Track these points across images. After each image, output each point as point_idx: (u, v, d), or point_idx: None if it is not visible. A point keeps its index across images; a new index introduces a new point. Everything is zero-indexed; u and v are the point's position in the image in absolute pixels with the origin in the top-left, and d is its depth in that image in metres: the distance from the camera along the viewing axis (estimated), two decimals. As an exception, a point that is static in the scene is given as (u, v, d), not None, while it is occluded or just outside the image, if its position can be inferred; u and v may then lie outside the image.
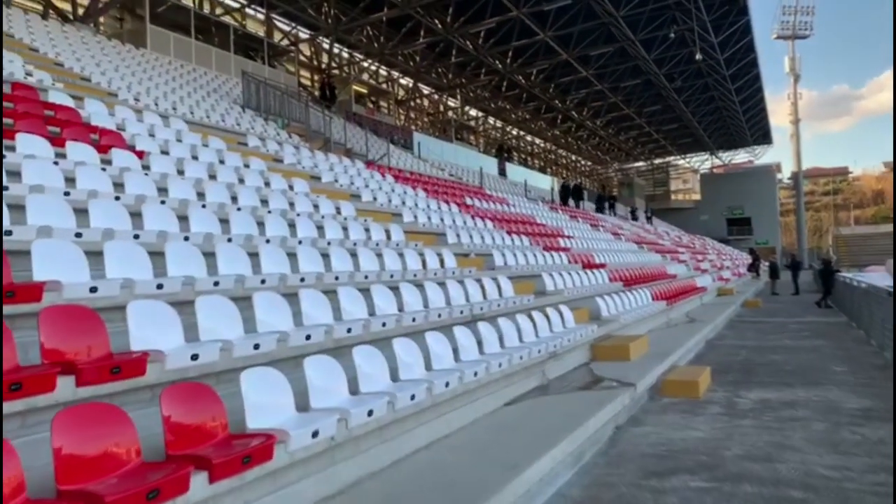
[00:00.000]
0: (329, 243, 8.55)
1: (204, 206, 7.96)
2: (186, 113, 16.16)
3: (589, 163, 77.93)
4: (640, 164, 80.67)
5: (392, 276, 8.20)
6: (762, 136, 70.96)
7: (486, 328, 7.34)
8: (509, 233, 16.24)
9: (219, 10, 33.06)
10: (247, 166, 11.53)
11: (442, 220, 14.28)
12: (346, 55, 41.22)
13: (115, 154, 8.68)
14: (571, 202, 36.16)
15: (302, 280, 6.69)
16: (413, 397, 4.95)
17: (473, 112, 54.92)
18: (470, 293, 8.94)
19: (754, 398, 8.98)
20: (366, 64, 41.54)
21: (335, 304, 6.31)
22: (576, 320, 10.16)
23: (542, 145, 67.45)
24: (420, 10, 33.47)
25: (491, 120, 57.12)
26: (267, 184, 10.79)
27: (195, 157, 10.67)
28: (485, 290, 9.43)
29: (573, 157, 73.65)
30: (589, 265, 16.52)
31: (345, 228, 9.57)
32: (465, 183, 28.14)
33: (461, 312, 7.87)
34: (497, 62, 41.54)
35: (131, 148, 9.46)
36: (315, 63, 39.60)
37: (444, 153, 35.04)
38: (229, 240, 6.86)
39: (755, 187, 73.79)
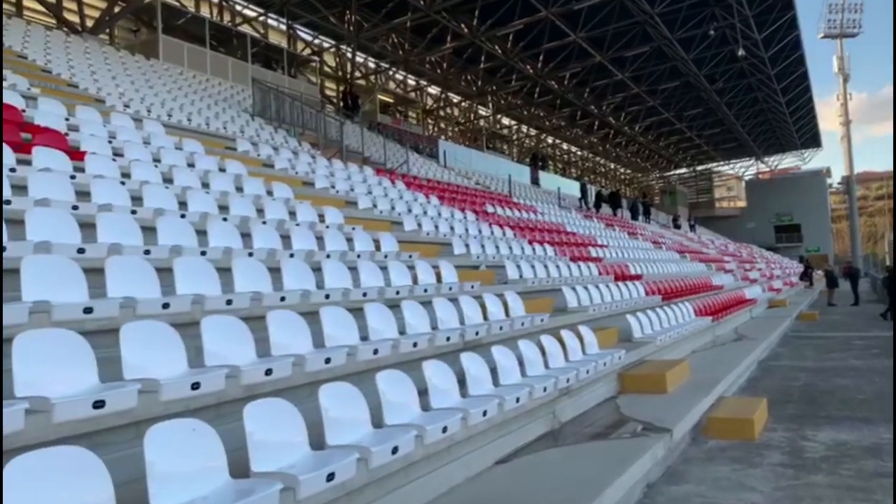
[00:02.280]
0: (292, 255, 7.07)
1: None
2: (180, 119, 15.00)
3: (629, 171, 75.55)
4: (683, 171, 77.94)
5: (365, 295, 6.66)
6: (811, 139, 67.77)
7: (477, 360, 5.73)
8: (531, 242, 14.59)
9: (238, 20, 32.28)
10: (222, 170, 10.18)
11: (452, 228, 12.73)
12: (371, 65, 40.17)
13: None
14: (605, 210, 34.25)
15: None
16: (331, 477, 3.38)
17: (506, 121, 53.39)
18: (466, 314, 7.34)
19: (825, 440, 7.17)
20: (391, 72, 40.39)
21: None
22: (600, 344, 8.45)
23: (578, 153, 65.46)
24: (445, 14, 32.15)
25: (525, 128, 55.50)
26: (239, 189, 9.41)
27: (191, 165, 9.56)
28: (485, 310, 7.82)
29: (612, 166, 71.41)
30: (622, 277, 14.75)
31: (319, 238, 8.07)
32: (492, 191, 26.58)
33: (447, 339, 6.27)
34: (528, 67, 39.95)
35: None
36: (340, 73, 38.59)
37: (471, 162, 33.52)
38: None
39: (804, 193, 70.51)
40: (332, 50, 37.92)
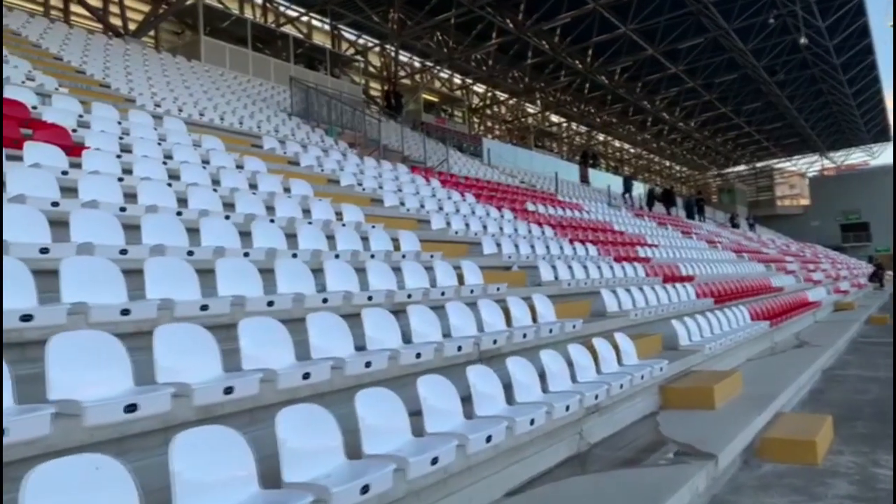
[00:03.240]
0: (294, 255, 6.48)
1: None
2: (212, 118, 14.69)
3: (685, 168, 73.19)
4: (741, 168, 75.05)
5: (370, 298, 6.01)
6: (880, 132, 64.17)
7: (485, 375, 5.01)
8: (572, 241, 13.74)
9: (282, 21, 32.21)
10: (239, 167, 9.70)
11: (485, 227, 12.00)
12: (417, 64, 39.70)
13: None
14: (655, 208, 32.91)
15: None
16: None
17: (555, 118, 52.21)
18: (485, 319, 6.63)
19: (902, 468, 6.18)
20: (436, 71, 39.82)
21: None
22: (641, 353, 7.60)
23: (631, 151, 63.69)
24: (489, 10, 31.40)
25: (574, 126, 54.21)
26: (253, 185, 8.90)
27: (206, 162, 9.15)
28: (510, 315, 7.08)
29: (667, 163, 69.29)
30: (672, 278, 13.75)
31: (330, 237, 7.47)
32: (537, 190, 25.71)
33: (458, 349, 5.57)
34: (576, 62, 38.80)
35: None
36: (385, 73, 38.22)
37: (517, 160, 32.66)
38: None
39: (873, 189, 66.83)
40: (377, 49, 37.60)
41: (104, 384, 3.40)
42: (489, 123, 47.72)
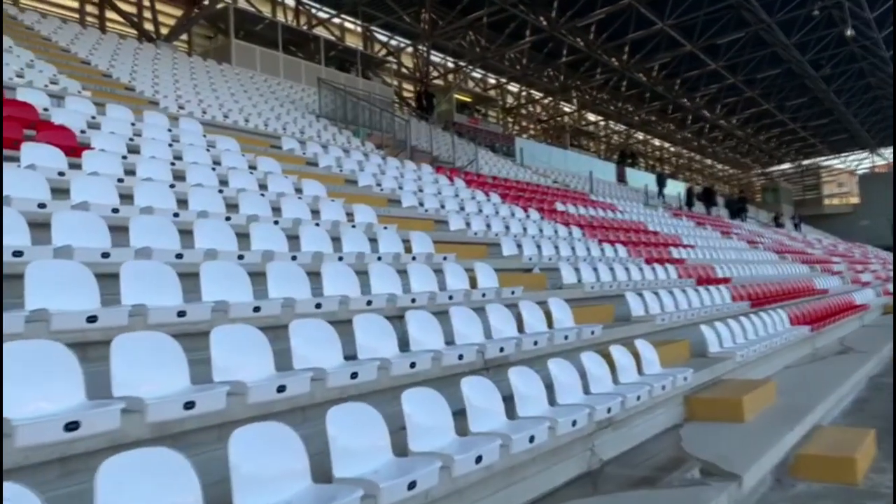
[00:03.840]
0: (294, 257, 6.20)
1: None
2: (236, 120, 14.59)
3: (727, 167, 71.36)
4: (786, 166, 72.82)
5: (370, 303, 5.69)
6: (934, 127, 61.61)
7: (483, 387, 4.64)
8: (601, 241, 13.24)
9: (314, 23, 32.23)
10: (252, 167, 9.50)
11: (507, 227, 11.59)
12: (450, 64, 39.40)
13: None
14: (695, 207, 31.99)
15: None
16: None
17: (592, 117, 51.36)
18: (494, 325, 6.25)
19: (952, 491, 5.61)
20: (468, 70, 39.41)
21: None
22: (665, 361, 7.13)
23: (672, 149, 62.33)
24: (522, 8, 30.93)
25: (612, 124, 53.27)
26: (263, 186, 8.67)
27: (217, 163, 8.98)
28: (522, 321, 6.68)
29: (708, 162, 67.66)
30: (706, 280, 13.14)
31: (336, 239, 7.17)
32: (571, 189, 25.15)
33: (459, 358, 5.20)
34: (612, 59, 38.05)
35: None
36: (417, 74, 38.01)
37: (551, 159, 32.08)
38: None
39: (927, 186, 64.22)
40: (410, 50, 37.42)
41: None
42: (524, 123, 47.13)
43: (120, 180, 6.82)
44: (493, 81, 42.76)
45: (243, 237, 6.29)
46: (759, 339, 9.58)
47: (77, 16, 24.91)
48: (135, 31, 24.58)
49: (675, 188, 40.53)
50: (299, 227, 7.15)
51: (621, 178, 38.37)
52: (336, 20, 33.62)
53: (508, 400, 4.79)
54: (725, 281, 13.94)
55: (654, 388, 5.90)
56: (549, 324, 7.10)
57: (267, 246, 6.21)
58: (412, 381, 4.69)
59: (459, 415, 4.32)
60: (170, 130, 10.19)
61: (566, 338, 6.62)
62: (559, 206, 16.58)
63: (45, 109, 8.81)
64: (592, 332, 7.09)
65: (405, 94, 37.40)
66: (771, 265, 19.10)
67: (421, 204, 11.17)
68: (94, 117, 9.27)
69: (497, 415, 4.55)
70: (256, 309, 4.84)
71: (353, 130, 19.27)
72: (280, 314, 4.96)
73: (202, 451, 3.30)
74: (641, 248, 14.29)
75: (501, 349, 5.72)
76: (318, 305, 5.30)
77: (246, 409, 3.69)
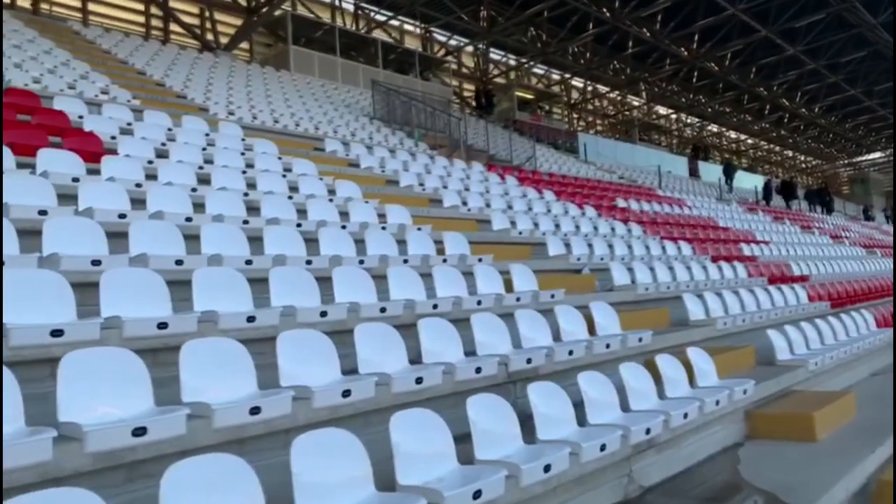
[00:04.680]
0: (309, 262, 5.80)
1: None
2: (286, 125, 14.49)
3: (810, 158, 67.66)
4: (876, 155, 68.39)
5: (383, 310, 5.22)
6: None
7: (494, 405, 4.09)
8: (664, 239, 12.39)
9: (373, 25, 32.19)
10: (288, 170, 9.22)
11: (557, 226, 10.94)
12: (511, 62, 38.72)
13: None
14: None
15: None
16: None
17: (662, 110, 49.57)
18: (523, 334, 5.66)
19: None
20: (528, 66, 38.61)
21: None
22: (724, 371, 6.38)
23: (749, 142, 59.55)
24: (583, 0, 30.00)
25: (684, 117, 51.29)
26: (294, 188, 8.35)
27: (250, 165, 8.76)
28: (559, 328, 6.07)
29: (789, 153, 64.34)
30: (780, 279, 12.10)
31: (359, 241, 6.75)
32: (637, 185, 24.10)
33: (477, 371, 4.67)
34: (681, 49, 36.47)
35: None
36: (477, 73, 37.51)
37: (617, 155, 30.95)
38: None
39: None
40: (470, 50, 36.97)
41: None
42: (590, 119, 45.91)
43: (138, 185, 6.59)
44: (556, 77, 41.79)
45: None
46: (838, 344, 8.59)
47: (143, 30, 25.64)
48: (197, 43, 25.10)
49: (753, 181, 38.51)
50: (321, 229, 6.75)
51: (693, 173, 36.74)
52: (395, 22, 33.52)
53: (528, 420, 4.22)
54: (802, 279, 12.83)
55: (705, 404, 5.19)
56: (591, 331, 6.45)
57: (279, 250, 5.83)
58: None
59: (461, 440, 3.78)
60: (207, 135, 10.03)
61: (608, 346, 5.96)
62: (620, 203, 15.74)
63: (80, 117, 8.76)
64: (640, 340, 6.40)
65: (466, 93, 36.95)
66: (857, 261, 17.63)
67: (464, 203, 10.66)
68: (129, 124, 9.19)
69: (511, 439, 3.99)
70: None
71: (407, 132, 18.94)
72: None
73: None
74: (708, 245, 13.32)
75: (529, 360, 5.13)
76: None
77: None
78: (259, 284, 4.97)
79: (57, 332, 3.54)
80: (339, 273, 5.45)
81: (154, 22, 26.21)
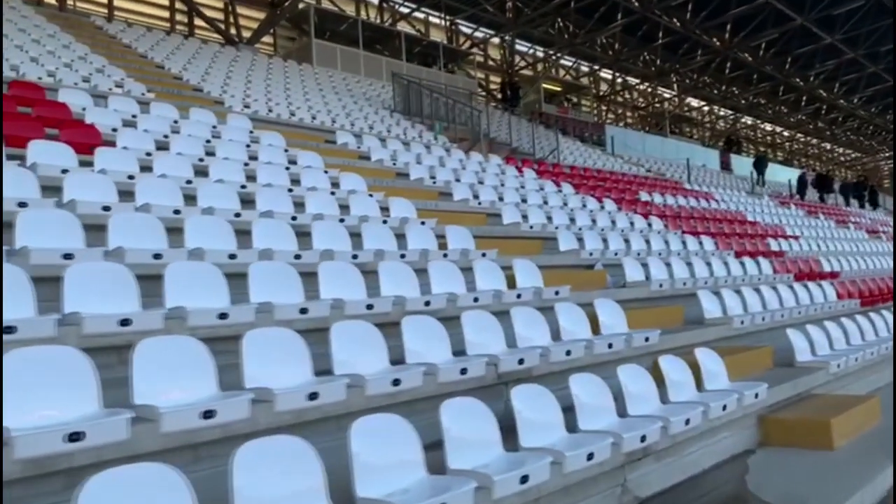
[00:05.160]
0: (298, 256, 5.59)
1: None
2: (302, 118, 14.33)
3: (850, 151, 65.74)
4: (920, 146, 66.24)
5: (370, 307, 4.99)
6: None
7: (471, 410, 3.83)
8: (685, 233, 11.97)
9: (398, 17, 31.97)
10: (293, 162, 9.03)
11: (572, 220, 10.61)
12: (539, 53, 38.18)
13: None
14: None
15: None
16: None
17: (694, 102, 48.52)
18: (519, 333, 5.39)
19: None
20: (555, 58, 38.01)
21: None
22: (739, 373, 6.03)
23: (785, 134, 58.03)
24: (612, -12, 29.45)
25: (717, 109, 50.13)
26: (296, 181, 8.16)
27: (254, 158, 8.64)
28: (559, 328, 5.78)
29: (827, 146, 62.59)
30: (808, 275, 11.60)
31: (355, 235, 6.53)
32: (665, 178, 23.53)
33: (462, 373, 4.42)
34: (713, 38, 35.58)
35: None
36: (504, 66, 37.06)
37: (645, 147, 30.29)
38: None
39: None
40: (496, 42, 36.53)
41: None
42: (619, 111, 45.11)
43: (131, 177, 6.45)
44: (585, 69, 41.13)
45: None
46: (865, 344, 8.13)
47: (168, 24, 25.78)
48: (220, 37, 25.15)
49: (787, 175, 37.45)
50: (316, 222, 6.55)
51: (726, 166, 35.86)
52: (420, 15, 33.27)
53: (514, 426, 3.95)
54: (833, 276, 12.29)
55: (710, 409, 4.86)
56: (596, 330, 6.14)
57: (276, 245, 5.63)
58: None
59: (432, 448, 3.53)
60: (214, 127, 9.90)
61: (610, 346, 5.65)
62: (643, 196, 15.29)
63: (83, 109, 8.68)
64: (647, 340, 6.08)
65: (492, 86, 36.54)
66: (892, 257, 16.91)
67: (476, 197, 10.37)
68: (134, 116, 9.08)
69: (489, 446, 3.72)
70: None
71: (428, 125, 18.69)
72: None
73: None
74: (733, 240, 12.84)
75: (521, 361, 4.86)
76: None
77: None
78: (237, 280, 4.77)
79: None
80: (327, 268, 5.23)
81: (178, 17, 26.36)
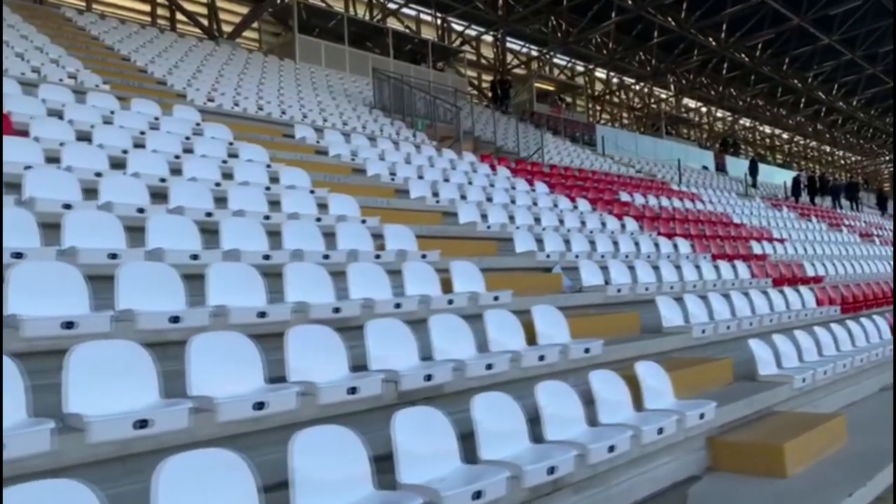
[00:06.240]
0: (195, 258, 5.03)
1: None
2: (270, 112, 13.77)
3: (850, 154, 65.03)
4: (921, 150, 65.51)
5: (262, 315, 4.43)
6: None
7: (349, 441, 3.25)
8: (660, 235, 11.41)
9: (387, 13, 31.43)
10: (233, 155, 8.47)
11: (537, 220, 10.04)
12: (535, 53, 37.61)
13: None
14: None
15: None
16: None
17: (692, 103, 47.90)
18: (436, 345, 4.81)
19: None
20: (548, 56, 37.44)
21: None
22: (690, 388, 5.46)
23: (784, 136, 57.38)
24: (606, -14, 28.88)
25: (715, 111, 49.53)
26: (228, 175, 7.60)
27: (188, 151, 8.07)
28: (486, 338, 5.20)
29: (826, 149, 61.89)
30: (788, 280, 11.02)
31: (274, 234, 5.96)
32: (653, 179, 22.95)
33: (350, 392, 3.85)
34: (709, 38, 34.99)
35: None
36: (496, 64, 36.49)
37: (638, 148, 29.69)
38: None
39: None
40: (490, 40, 35.98)
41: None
42: (614, 111, 44.51)
43: (28, 167, 5.89)
44: (581, 69, 40.54)
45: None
46: (839, 355, 7.54)
47: (149, 19, 25.25)
48: (201, 32, 24.62)
49: (785, 177, 36.82)
50: (230, 219, 5.98)
51: (720, 168, 35.25)
52: (412, 13, 32.74)
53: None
54: (816, 280, 11.71)
55: (642, 434, 4.29)
56: (531, 340, 5.57)
57: (170, 243, 5.07)
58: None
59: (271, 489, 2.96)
60: (156, 118, 9.34)
61: (542, 359, 5.08)
62: (623, 197, 14.71)
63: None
64: (587, 351, 5.51)
65: (484, 84, 35.98)
66: (884, 262, 16.33)
67: (435, 194, 9.80)
68: (63, 105, 8.51)
69: (351, 484, 3.14)
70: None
71: (408, 122, 18.14)
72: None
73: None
74: (713, 242, 12.26)
75: (428, 377, 4.29)
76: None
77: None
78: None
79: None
80: (215, 270, 4.65)
81: (160, 11, 25.84)
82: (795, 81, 42.05)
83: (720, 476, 4.96)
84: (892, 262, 16.58)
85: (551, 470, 3.65)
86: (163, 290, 4.31)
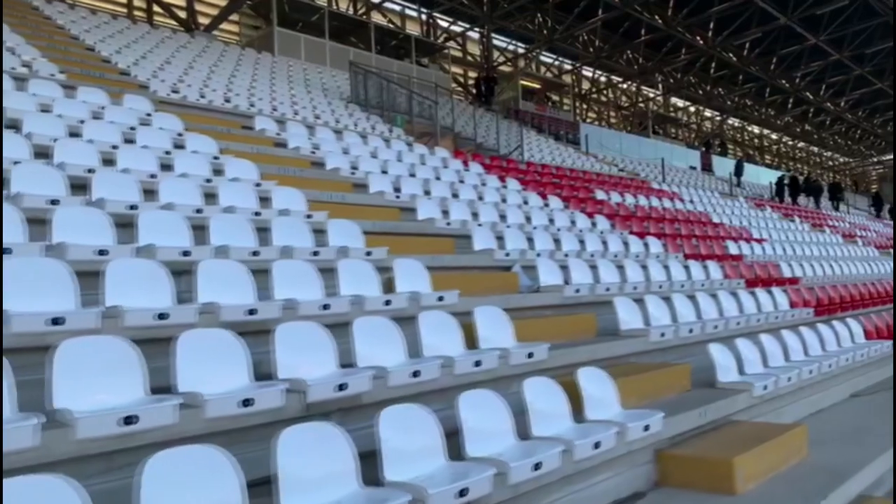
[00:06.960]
0: (104, 252, 4.64)
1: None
2: (237, 105, 13.35)
3: (838, 155, 65.03)
4: (910, 152, 65.55)
5: (163, 317, 4.04)
6: None
7: (214, 461, 2.88)
8: (631, 234, 11.08)
9: (371, 7, 31.00)
10: (179, 146, 8.07)
11: (502, 217, 9.69)
12: (520, 49, 37.25)
13: None
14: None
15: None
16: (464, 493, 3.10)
17: (680, 103, 47.71)
18: (359, 351, 4.44)
19: None
20: (533, 54, 37.10)
21: None
22: (640, 397, 5.12)
23: (772, 137, 57.30)
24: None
25: (702, 110, 49.35)
26: (168, 167, 7.20)
27: (131, 141, 7.61)
28: (420, 342, 4.84)
29: (814, 150, 61.86)
30: (762, 281, 10.71)
31: (199, 228, 5.57)
32: (636, 178, 22.66)
33: (244, 404, 3.46)
34: (696, 37, 34.76)
35: None
36: (482, 61, 36.13)
37: (622, 147, 29.40)
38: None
39: None
40: (477, 38, 35.62)
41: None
42: (601, 110, 44.23)
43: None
44: (568, 67, 40.22)
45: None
46: (807, 360, 7.21)
47: (126, 11, 24.75)
48: (178, 25, 24.15)
49: (770, 177, 36.62)
50: (165, 212, 5.60)
51: (706, 167, 35.04)
52: (396, 7, 32.32)
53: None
54: (791, 282, 11.41)
55: (575, 448, 3.93)
56: (473, 343, 5.21)
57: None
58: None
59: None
60: (102, 108, 8.92)
61: (478, 364, 4.72)
62: (598, 195, 14.37)
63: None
64: (530, 356, 5.15)
65: (470, 81, 35.62)
66: (865, 263, 16.06)
67: (396, 189, 9.43)
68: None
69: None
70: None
71: (386, 117, 17.76)
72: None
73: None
74: (686, 241, 11.94)
75: (342, 387, 3.91)
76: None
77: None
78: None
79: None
80: (112, 267, 4.25)
81: (137, 3, 25.35)
82: (783, 81, 41.91)
83: (666, 492, 4.61)
84: (871, 265, 16.31)
85: (462, 492, 3.28)
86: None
